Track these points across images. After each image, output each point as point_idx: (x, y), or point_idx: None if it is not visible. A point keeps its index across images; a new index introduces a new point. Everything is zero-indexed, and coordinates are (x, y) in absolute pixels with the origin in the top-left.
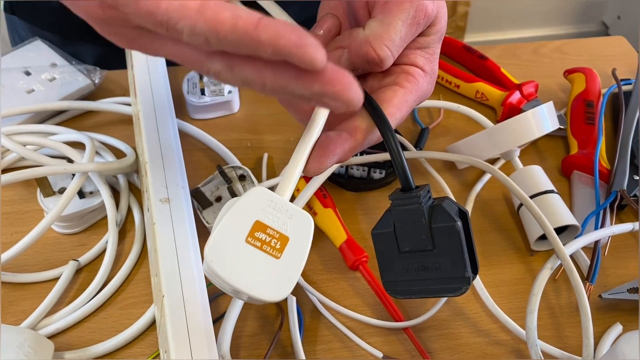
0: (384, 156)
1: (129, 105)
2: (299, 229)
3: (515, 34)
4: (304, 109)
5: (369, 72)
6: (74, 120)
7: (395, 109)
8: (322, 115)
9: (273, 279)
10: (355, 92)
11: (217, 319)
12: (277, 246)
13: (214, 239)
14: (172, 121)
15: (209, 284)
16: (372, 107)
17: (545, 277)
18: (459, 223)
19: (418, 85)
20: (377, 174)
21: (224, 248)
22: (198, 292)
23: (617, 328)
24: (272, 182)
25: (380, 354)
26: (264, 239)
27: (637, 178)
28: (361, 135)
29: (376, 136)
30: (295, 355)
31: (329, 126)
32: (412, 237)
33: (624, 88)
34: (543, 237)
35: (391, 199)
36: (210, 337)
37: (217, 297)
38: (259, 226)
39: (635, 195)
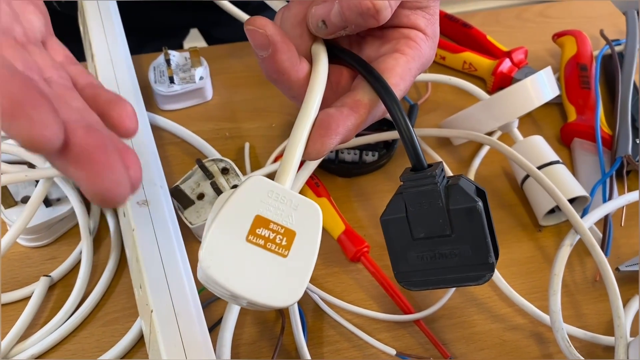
0: (376, 137)
1: None
2: (306, 220)
3: (476, 5)
4: (296, 82)
5: (364, 30)
6: None
7: (399, 79)
8: (318, 90)
9: (282, 280)
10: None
11: (212, 327)
12: (283, 243)
13: (209, 240)
14: (142, 114)
15: (200, 290)
16: (374, 78)
17: (565, 254)
18: (480, 203)
19: (421, 51)
20: (369, 157)
21: (222, 250)
22: (190, 302)
23: (637, 301)
24: (258, 173)
25: (392, 351)
26: (267, 235)
27: None
28: (364, 110)
29: (381, 110)
30: None
31: (325, 102)
32: (427, 221)
33: (616, 49)
34: (549, 212)
35: (402, 180)
36: (208, 351)
37: (210, 303)
38: (260, 221)
39: None
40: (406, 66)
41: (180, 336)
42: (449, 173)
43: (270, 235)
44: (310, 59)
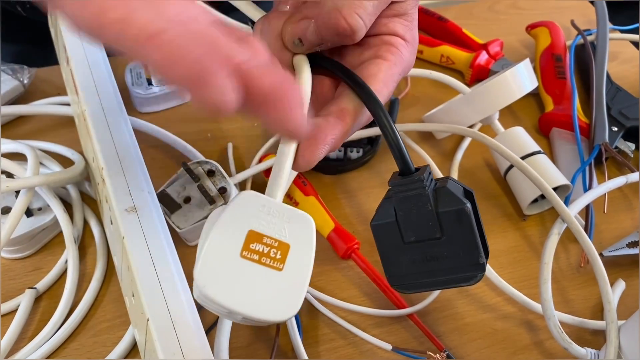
0: (359, 134)
1: (68, 105)
2: (300, 232)
3: None
4: None
5: (339, 45)
6: (4, 128)
7: (382, 85)
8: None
9: (279, 295)
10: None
11: (207, 331)
12: (278, 256)
13: (204, 259)
14: (124, 118)
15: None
16: (358, 85)
17: (554, 243)
18: (469, 205)
19: (402, 56)
20: (354, 154)
21: (217, 268)
22: (186, 308)
23: (621, 284)
24: (244, 174)
25: (388, 346)
26: (261, 250)
27: (615, 130)
28: (350, 117)
29: (366, 116)
30: None
31: (309, 112)
32: (417, 225)
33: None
34: (532, 201)
35: (391, 185)
36: (208, 357)
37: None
38: (253, 236)
39: (616, 147)
40: (388, 72)
41: (178, 343)
42: (434, 167)
43: (264, 249)
44: (292, 70)
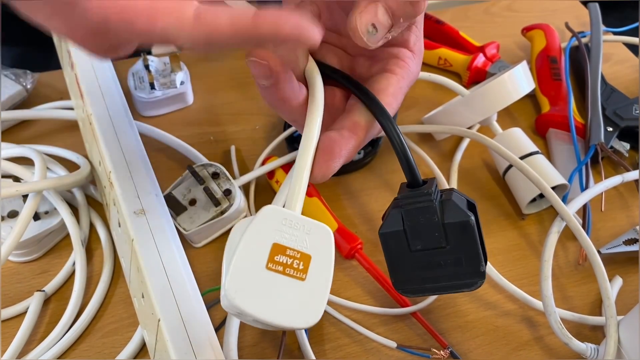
0: None
1: (71, 109)
2: (320, 243)
3: None
4: (297, 108)
5: (409, 23)
6: (7, 132)
7: (392, 99)
8: (318, 116)
9: (303, 303)
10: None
11: (215, 330)
12: (300, 267)
13: (232, 271)
14: (130, 122)
15: (203, 293)
16: (369, 100)
17: (553, 241)
18: (473, 217)
19: (409, 69)
20: (355, 155)
21: (245, 280)
22: (196, 308)
23: (618, 281)
24: (248, 177)
25: (393, 344)
26: (285, 261)
27: (610, 130)
28: (362, 131)
29: (376, 129)
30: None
31: (322, 125)
32: (424, 235)
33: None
34: (531, 200)
35: (400, 198)
36: (219, 356)
37: (211, 307)
38: (277, 249)
39: (612, 147)
40: (397, 85)
41: (190, 343)
42: (434, 167)
43: (287, 261)
44: (304, 81)
